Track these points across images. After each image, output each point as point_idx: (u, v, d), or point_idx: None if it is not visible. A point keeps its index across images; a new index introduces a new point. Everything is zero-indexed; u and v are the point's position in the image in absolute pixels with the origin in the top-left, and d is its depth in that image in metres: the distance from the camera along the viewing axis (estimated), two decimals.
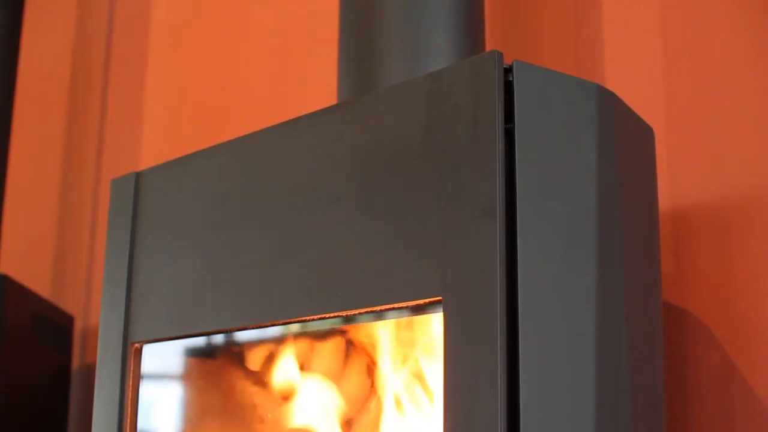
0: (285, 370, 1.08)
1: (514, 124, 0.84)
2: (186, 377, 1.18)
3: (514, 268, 0.81)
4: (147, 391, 1.12)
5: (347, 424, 1.05)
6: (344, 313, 0.92)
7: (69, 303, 1.91)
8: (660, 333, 0.97)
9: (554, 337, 0.81)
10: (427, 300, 0.85)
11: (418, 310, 0.88)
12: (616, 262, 0.87)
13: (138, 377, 1.11)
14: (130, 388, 1.10)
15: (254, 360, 1.11)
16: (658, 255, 1.00)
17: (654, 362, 0.94)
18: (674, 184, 1.17)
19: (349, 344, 1.03)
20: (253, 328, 1.02)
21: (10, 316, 1.57)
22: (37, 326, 1.66)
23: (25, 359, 1.63)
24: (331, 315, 0.93)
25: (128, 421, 1.09)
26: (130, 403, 1.10)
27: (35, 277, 1.94)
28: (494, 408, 0.78)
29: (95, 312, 1.86)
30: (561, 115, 0.87)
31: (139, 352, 1.11)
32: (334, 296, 0.92)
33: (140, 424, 1.10)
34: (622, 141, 0.91)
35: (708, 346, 1.12)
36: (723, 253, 1.13)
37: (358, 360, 1.02)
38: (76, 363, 1.87)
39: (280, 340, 1.07)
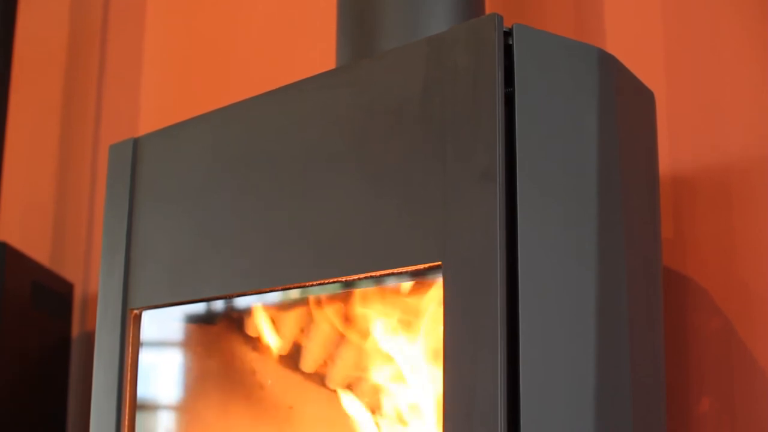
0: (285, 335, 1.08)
1: (514, 88, 0.84)
2: (185, 343, 1.18)
3: (513, 232, 0.81)
4: (147, 358, 1.11)
5: (347, 388, 1.05)
6: (343, 279, 0.92)
7: (68, 270, 1.90)
8: (660, 298, 0.97)
9: (554, 300, 0.81)
10: (426, 265, 0.85)
11: (418, 275, 0.88)
12: (617, 226, 0.87)
13: (137, 343, 1.10)
14: (130, 354, 1.10)
15: (254, 326, 1.11)
16: (659, 220, 0.99)
17: (654, 327, 0.94)
18: (675, 149, 1.16)
19: (348, 309, 1.02)
20: (252, 294, 1.01)
21: (10, 283, 1.57)
22: (36, 294, 1.66)
23: (25, 327, 1.63)
24: (330, 280, 0.93)
25: (128, 387, 1.09)
26: (129, 369, 1.09)
27: (34, 245, 1.94)
28: (494, 372, 0.78)
29: (95, 279, 1.86)
30: (561, 79, 0.86)
31: (138, 318, 1.11)
32: (333, 262, 0.92)
33: (140, 391, 1.10)
34: (623, 105, 0.91)
35: (708, 311, 1.12)
36: (723, 217, 1.13)
37: (357, 325, 1.02)
38: (76, 330, 1.87)
39: (279, 306, 1.07)
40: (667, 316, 1.08)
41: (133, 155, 1.14)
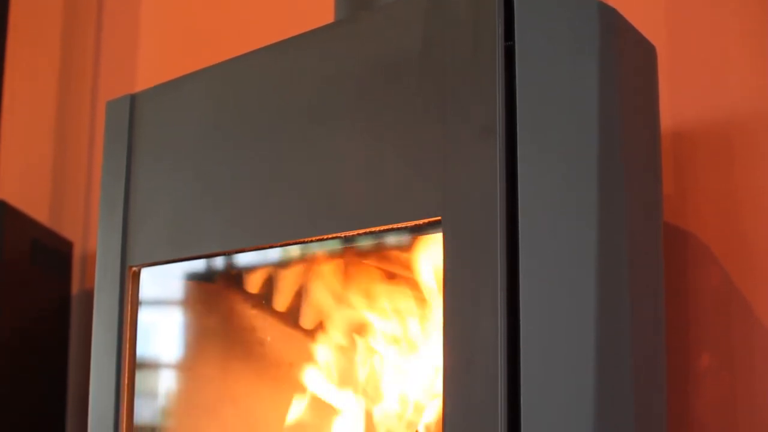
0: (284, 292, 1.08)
1: (514, 41, 0.83)
2: (185, 301, 1.18)
3: (514, 186, 0.80)
4: (146, 316, 1.11)
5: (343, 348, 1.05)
6: (342, 234, 0.91)
7: (68, 229, 1.90)
8: (660, 253, 0.97)
9: (554, 255, 0.81)
10: (425, 220, 0.84)
11: (417, 230, 0.88)
12: (617, 181, 0.86)
13: (136, 301, 1.10)
14: (129, 312, 1.10)
15: (253, 283, 1.10)
16: (660, 175, 0.99)
17: (654, 283, 0.94)
18: (675, 103, 1.15)
19: (349, 265, 1.02)
20: (251, 250, 1.01)
21: (9, 242, 1.57)
22: (36, 252, 1.66)
23: (25, 286, 1.63)
24: (330, 236, 0.92)
25: (127, 345, 1.09)
26: (128, 327, 1.09)
27: (33, 203, 1.94)
28: (494, 328, 0.78)
29: (94, 237, 1.85)
30: (562, 32, 0.85)
31: (137, 275, 1.10)
32: (332, 217, 0.91)
33: (140, 349, 1.10)
34: (624, 59, 0.90)
35: (708, 266, 1.12)
36: (724, 172, 1.12)
37: (359, 280, 1.02)
38: (75, 289, 1.87)
39: (279, 263, 1.07)
40: (668, 271, 1.07)
41: (131, 111, 1.13)
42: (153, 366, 1.16)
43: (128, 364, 1.09)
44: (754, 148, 1.10)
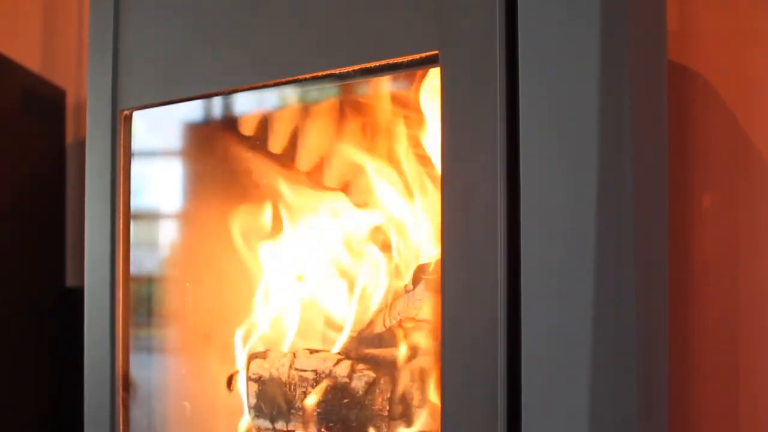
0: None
1: None
2: (178, 146, 1.17)
3: (513, 17, 0.78)
4: (140, 162, 1.10)
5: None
6: (338, 71, 0.89)
7: (60, 76, 1.87)
8: (664, 93, 0.95)
9: (555, 89, 0.78)
10: (422, 54, 0.82)
11: (414, 65, 0.85)
12: (620, 16, 0.83)
13: (129, 146, 1.08)
14: (122, 157, 1.08)
15: (248, 125, 1.09)
16: (664, 11, 0.96)
17: (657, 121, 0.92)
18: None
19: (344, 106, 1.01)
20: (244, 90, 0.99)
21: None
22: (27, 102, 1.64)
23: (18, 137, 1.61)
24: (325, 72, 0.90)
25: (121, 191, 1.08)
26: (122, 172, 1.08)
27: (23, 50, 1.90)
28: (493, 167, 0.77)
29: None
30: None
31: (129, 119, 1.08)
32: (325, 54, 0.89)
33: (135, 198, 1.09)
34: None
35: (713, 105, 1.11)
36: (730, 8, 1.10)
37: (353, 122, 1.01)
38: (70, 137, 1.85)
39: (273, 104, 1.06)
40: (671, 111, 1.06)
41: None
42: (149, 215, 1.15)
43: (122, 210, 1.08)
44: None
